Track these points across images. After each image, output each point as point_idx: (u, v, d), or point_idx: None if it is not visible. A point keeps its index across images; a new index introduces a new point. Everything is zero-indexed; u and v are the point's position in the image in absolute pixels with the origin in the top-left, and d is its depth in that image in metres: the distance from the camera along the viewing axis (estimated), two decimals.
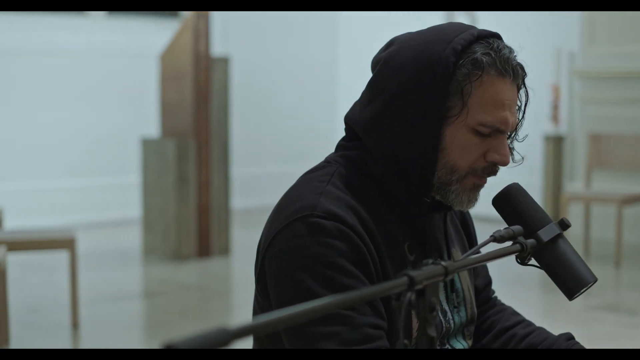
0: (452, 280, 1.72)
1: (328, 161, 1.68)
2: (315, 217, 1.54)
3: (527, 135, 1.69)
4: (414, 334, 1.54)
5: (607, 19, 6.65)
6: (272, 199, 2.15)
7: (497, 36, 1.61)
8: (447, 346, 1.71)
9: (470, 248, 1.82)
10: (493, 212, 1.62)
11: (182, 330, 4.35)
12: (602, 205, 6.45)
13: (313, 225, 1.54)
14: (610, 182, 6.58)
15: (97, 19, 7.35)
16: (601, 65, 6.74)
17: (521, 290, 5.09)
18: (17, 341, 4.13)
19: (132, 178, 7.20)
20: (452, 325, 1.71)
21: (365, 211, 1.58)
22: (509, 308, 1.90)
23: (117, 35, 7.42)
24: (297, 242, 1.54)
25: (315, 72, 8.70)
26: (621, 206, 5.80)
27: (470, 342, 1.77)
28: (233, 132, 6.97)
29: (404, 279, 1.15)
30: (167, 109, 6.17)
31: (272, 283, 1.59)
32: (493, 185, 1.68)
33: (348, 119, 1.68)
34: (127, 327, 4.54)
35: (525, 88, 1.63)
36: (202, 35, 5.99)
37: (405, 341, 1.22)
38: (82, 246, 5.59)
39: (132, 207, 7.10)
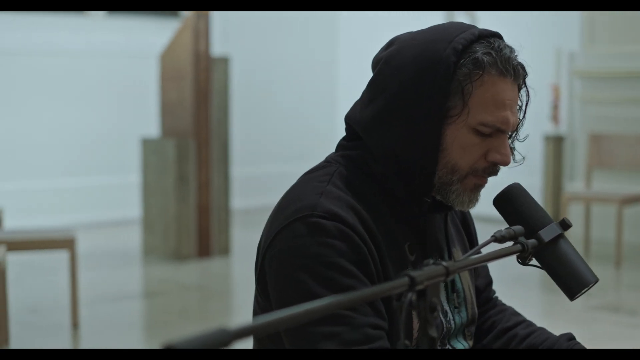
0: (453, 281, 1.72)
1: (328, 161, 1.68)
2: (315, 217, 1.54)
3: (527, 135, 1.68)
4: (415, 334, 1.54)
5: (607, 19, 6.65)
6: (272, 199, 2.15)
7: (498, 36, 1.61)
8: (448, 346, 1.70)
9: (471, 248, 1.82)
10: (494, 212, 1.62)
11: (182, 330, 4.34)
12: (602, 205, 6.44)
13: (313, 225, 1.53)
14: (611, 182, 6.58)
15: (97, 19, 7.35)
16: (601, 65, 6.73)
17: (521, 290, 5.08)
18: (17, 341, 4.12)
19: (132, 178, 7.19)
20: (453, 325, 1.70)
21: (366, 211, 1.58)
22: (510, 308, 1.90)
23: (117, 35, 7.42)
24: (297, 242, 1.54)
25: (315, 72, 8.70)
26: (621, 206, 5.79)
27: (471, 343, 1.76)
28: (233, 132, 6.97)
29: (405, 279, 1.15)
30: (167, 109, 6.16)
31: (272, 283, 1.58)
32: (494, 185, 1.68)
33: (348, 118, 1.67)
34: (127, 327, 4.54)
35: (526, 88, 1.63)
36: (202, 35, 5.99)
37: (406, 341, 1.22)
38: (82, 246, 5.58)
39: (132, 207, 7.10)
